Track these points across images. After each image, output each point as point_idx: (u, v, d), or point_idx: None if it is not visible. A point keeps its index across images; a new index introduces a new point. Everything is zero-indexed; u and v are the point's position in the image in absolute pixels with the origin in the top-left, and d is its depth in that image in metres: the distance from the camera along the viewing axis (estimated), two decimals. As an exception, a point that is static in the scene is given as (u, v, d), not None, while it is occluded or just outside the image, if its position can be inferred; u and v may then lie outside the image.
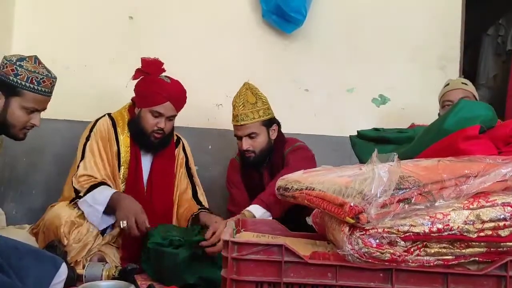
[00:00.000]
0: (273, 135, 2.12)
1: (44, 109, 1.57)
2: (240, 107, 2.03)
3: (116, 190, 1.94)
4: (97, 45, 2.57)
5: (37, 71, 1.51)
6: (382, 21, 2.78)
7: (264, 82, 2.70)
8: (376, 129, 1.97)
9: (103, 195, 1.89)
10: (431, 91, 2.78)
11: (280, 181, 1.46)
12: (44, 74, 1.53)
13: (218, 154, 2.64)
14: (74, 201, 1.93)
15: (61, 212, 1.91)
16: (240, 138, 2.08)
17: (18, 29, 2.52)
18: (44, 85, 1.52)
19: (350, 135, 2.03)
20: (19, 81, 1.48)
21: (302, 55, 2.72)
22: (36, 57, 1.55)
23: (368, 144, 1.84)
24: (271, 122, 2.11)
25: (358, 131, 2.01)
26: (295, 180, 1.39)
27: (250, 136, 2.05)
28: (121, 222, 1.83)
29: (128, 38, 2.59)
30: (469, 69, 3.54)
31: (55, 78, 1.57)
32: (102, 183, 1.95)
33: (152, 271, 1.79)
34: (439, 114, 2.23)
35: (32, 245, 1.58)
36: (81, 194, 1.92)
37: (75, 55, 2.55)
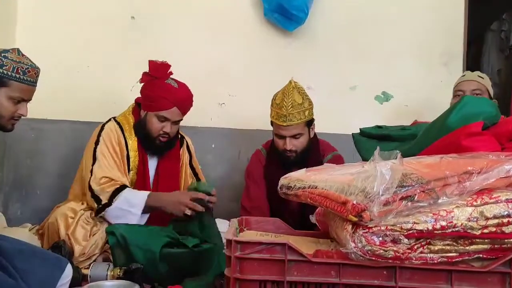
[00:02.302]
0: (312, 134, 2.12)
1: (30, 99, 1.59)
2: (289, 107, 1.98)
3: (149, 192, 1.94)
4: (100, 46, 2.57)
5: (22, 62, 1.53)
6: (385, 18, 2.77)
7: (266, 81, 2.70)
8: (378, 127, 1.97)
9: (137, 197, 1.89)
10: (434, 87, 2.77)
11: (283, 180, 1.46)
12: (29, 64, 1.56)
13: (221, 154, 2.65)
14: (98, 213, 1.89)
15: (66, 214, 1.91)
16: (283, 137, 2.04)
17: (20, 30, 2.53)
18: (29, 75, 1.54)
19: (352, 133, 2.03)
20: (5, 72, 1.50)
21: (305, 53, 2.71)
22: (18, 50, 1.59)
23: (371, 141, 1.83)
24: (312, 121, 2.10)
25: (360, 129, 2.00)
26: (298, 178, 1.39)
27: (295, 136, 2.02)
28: (186, 213, 1.83)
29: (130, 38, 2.59)
30: (472, 64, 3.52)
31: (39, 68, 1.60)
32: (124, 186, 1.92)
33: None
34: (451, 104, 2.23)
35: (35, 245, 1.59)
36: (105, 202, 1.88)
37: (77, 56, 2.56)
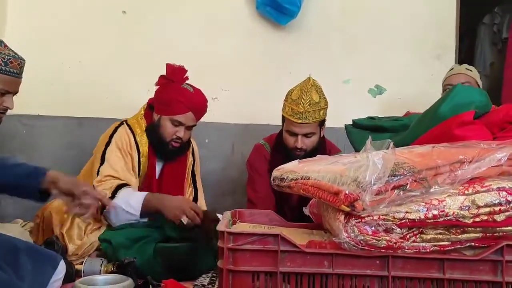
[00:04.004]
0: (322, 134, 2.09)
1: (15, 91, 1.56)
2: (307, 105, 1.94)
3: (147, 192, 1.89)
4: (91, 40, 2.56)
5: (3, 53, 1.50)
6: (378, 12, 2.77)
7: (259, 75, 2.70)
8: (371, 118, 1.97)
9: (135, 200, 1.83)
10: (427, 80, 2.78)
11: (276, 172, 1.46)
12: (11, 55, 1.52)
13: (215, 148, 2.64)
14: (102, 212, 1.84)
15: (62, 210, 1.89)
16: (295, 135, 2.00)
17: (10, 25, 2.51)
18: (12, 66, 1.51)
19: (345, 124, 2.03)
20: None
21: (297, 47, 2.71)
22: (1, 41, 1.55)
23: (363, 132, 1.83)
24: (324, 121, 2.07)
25: (353, 120, 2.00)
26: (291, 170, 1.39)
27: (306, 135, 2.00)
28: (182, 220, 1.77)
29: (121, 33, 2.58)
30: (465, 57, 3.54)
31: (23, 59, 1.56)
32: (125, 184, 1.89)
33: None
34: None
35: (27, 240, 1.58)
36: (108, 196, 1.82)
37: (69, 51, 2.54)
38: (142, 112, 2.07)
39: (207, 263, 1.77)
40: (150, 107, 2.05)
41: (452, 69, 2.33)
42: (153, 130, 1.98)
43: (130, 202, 1.83)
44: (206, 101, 2.04)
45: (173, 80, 1.95)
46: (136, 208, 1.82)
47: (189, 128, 2.00)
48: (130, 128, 2.00)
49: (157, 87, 2.00)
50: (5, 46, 1.55)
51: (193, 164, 2.18)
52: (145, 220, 1.89)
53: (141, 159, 1.98)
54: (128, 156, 1.96)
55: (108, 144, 1.96)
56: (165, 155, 2.02)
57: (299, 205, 1.96)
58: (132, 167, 1.96)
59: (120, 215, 1.83)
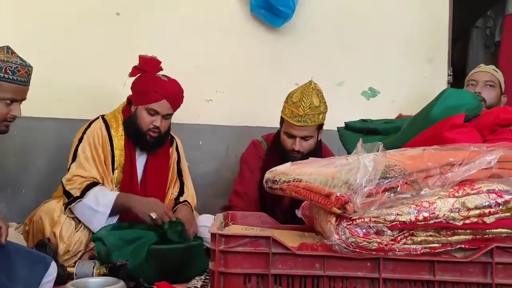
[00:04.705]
0: (319, 137, 2.10)
1: (23, 99, 1.54)
2: (307, 108, 1.95)
3: (119, 192, 1.94)
4: (84, 42, 2.54)
5: (10, 61, 1.48)
6: (371, 14, 2.78)
7: (253, 77, 2.70)
8: (363, 120, 1.98)
9: (107, 197, 1.88)
10: (421, 83, 2.80)
11: (268, 174, 1.46)
12: (18, 63, 1.49)
13: (209, 150, 2.64)
14: (68, 205, 1.89)
15: (52, 210, 1.89)
16: (293, 137, 2.01)
17: (2, 26, 2.49)
18: (19, 74, 1.49)
19: (337, 127, 2.04)
20: None
21: (291, 49, 2.72)
22: (8, 47, 1.52)
23: (356, 135, 1.84)
24: (322, 125, 2.08)
25: (345, 123, 2.01)
26: (283, 172, 1.39)
27: (305, 138, 2.01)
28: (151, 214, 1.82)
29: (115, 34, 2.57)
30: (458, 61, 3.56)
31: (31, 67, 1.54)
32: (96, 183, 1.93)
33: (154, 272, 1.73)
34: None
35: (19, 243, 1.57)
36: (76, 195, 1.88)
37: (62, 53, 2.53)
38: (121, 107, 2.11)
39: (201, 265, 1.77)
40: (130, 102, 2.09)
41: (480, 66, 2.34)
42: (130, 122, 2.02)
43: (100, 200, 1.87)
44: (182, 90, 2.06)
45: (145, 70, 1.99)
46: (107, 206, 1.86)
47: (166, 117, 2.02)
48: (105, 122, 2.04)
49: (133, 79, 2.03)
50: (13, 53, 1.51)
51: (178, 160, 2.20)
52: (115, 220, 1.91)
53: (115, 152, 2.01)
54: (100, 149, 1.99)
55: (81, 140, 2.00)
56: (145, 146, 2.04)
57: (292, 207, 1.96)
58: (104, 160, 1.99)
59: (87, 213, 1.87)
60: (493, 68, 2.32)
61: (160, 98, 1.97)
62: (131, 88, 2.05)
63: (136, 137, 2.02)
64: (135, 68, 2.01)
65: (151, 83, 1.97)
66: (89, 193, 1.89)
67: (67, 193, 1.92)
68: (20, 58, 1.53)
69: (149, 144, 2.03)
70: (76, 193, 1.89)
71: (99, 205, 1.87)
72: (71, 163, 1.97)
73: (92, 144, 1.98)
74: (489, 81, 2.22)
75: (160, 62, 2.03)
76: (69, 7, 2.55)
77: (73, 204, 1.88)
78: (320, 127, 2.06)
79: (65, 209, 1.90)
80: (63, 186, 1.94)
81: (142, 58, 2.00)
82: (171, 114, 2.05)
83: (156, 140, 2.03)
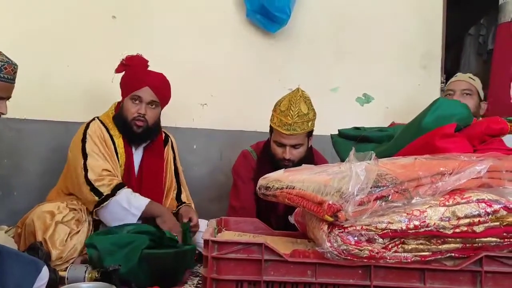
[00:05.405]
0: (310, 144, 2.10)
1: (9, 97, 1.55)
2: (295, 116, 1.94)
3: (149, 199, 1.97)
4: (80, 45, 2.54)
5: None
6: (366, 21, 2.80)
7: (249, 82, 2.71)
8: (356, 128, 1.99)
9: (138, 200, 1.93)
10: (415, 89, 2.82)
11: (262, 180, 1.47)
12: (5, 61, 1.51)
13: (204, 154, 2.64)
14: (101, 204, 1.89)
15: (44, 215, 1.88)
16: (283, 146, 2.00)
17: (-1, 28, 2.49)
18: (6, 71, 1.50)
19: (331, 134, 2.05)
20: None
21: (286, 54, 2.73)
22: None
23: (349, 142, 1.85)
24: (312, 132, 2.07)
25: (339, 130, 2.02)
26: (276, 179, 1.40)
27: (294, 146, 1.99)
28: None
29: (110, 38, 2.57)
30: (451, 68, 3.60)
31: (16, 65, 1.56)
32: (123, 184, 1.95)
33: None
34: None
35: (11, 247, 1.56)
36: (107, 193, 1.89)
37: (57, 55, 2.53)
38: (113, 107, 2.13)
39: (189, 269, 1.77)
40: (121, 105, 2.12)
41: (457, 75, 2.36)
42: (118, 116, 2.05)
43: (133, 202, 1.91)
44: (166, 80, 2.09)
45: (129, 64, 2.04)
46: (139, 209, 1.91)
47: (150, 105, 2.02)
48: (102, 123, 2.06)
49: (118, 75, 2.07)
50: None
51: (174, 159, 2.22)
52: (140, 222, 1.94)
53: (118, 150, 2.03)
54: (107, 148, 2.01)
55: (84, 140, 1.99)
56: (133, 138, 2.05)
57: (285, 214, 1.97)
58: (112, 158, 2.01)
59: (119, 211, 1.88)
60: (470, 76, 2.32)
61: (143, 85, 2.00)
62: (119, 85, 2.08)
63: (124, 128, 2.03)
64: (121, 64, 2.06)
65: (134, 74, 2.03)
66: (120, 192, 1.90)
67: (95, 191, 1.90)
68: (6, 57, 1.54)
69: (136, 135, 2.03)
70: (106, 191, 1.89)
71: (132, 206, 1.90)
72: (85, 161, 1.94)
73: (98, 142, 1.99)
74: (466, 89, 2.23)
75: (146, 60, 2.08)
76: (65, 11, 2.55)
77: (106, 202, 1.88)
78: (309, 134, 2.05)
79: (93, 209, 1.91)
80: (89, 183, 1.91)
81: (127, 56, 2.07)
82: (156, 103, 2.04)
83: (143, 131, 2.03)
